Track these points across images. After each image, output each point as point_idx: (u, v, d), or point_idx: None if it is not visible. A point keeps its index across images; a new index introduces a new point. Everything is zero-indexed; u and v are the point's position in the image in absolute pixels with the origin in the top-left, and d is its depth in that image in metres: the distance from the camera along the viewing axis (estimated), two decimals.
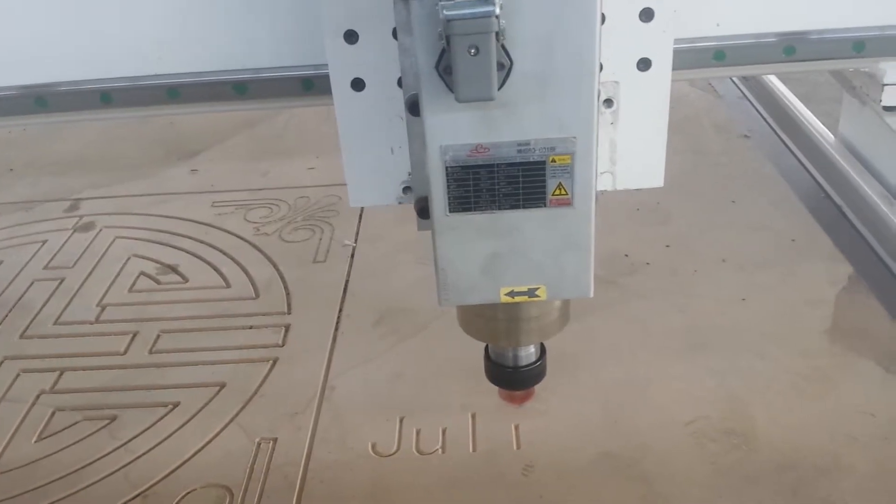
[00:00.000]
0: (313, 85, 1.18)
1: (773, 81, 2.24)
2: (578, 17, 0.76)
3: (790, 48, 1.21)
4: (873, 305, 1.44)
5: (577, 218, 0.86)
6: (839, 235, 1.64)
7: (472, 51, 0.72)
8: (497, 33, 0.72)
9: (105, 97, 1.23)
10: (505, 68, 0.77)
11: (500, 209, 0.85)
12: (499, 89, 0.76)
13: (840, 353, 1.33)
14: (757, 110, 2.24)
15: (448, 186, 0.84)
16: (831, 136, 1.89)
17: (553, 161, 0.82)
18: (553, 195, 0.85)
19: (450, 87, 0.77)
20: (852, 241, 1.63)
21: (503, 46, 0.76)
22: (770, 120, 2.17)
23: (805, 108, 2.07)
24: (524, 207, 0.85)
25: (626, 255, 1.62)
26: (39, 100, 1.23)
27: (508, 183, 0.84)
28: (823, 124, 1.97)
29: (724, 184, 1.86)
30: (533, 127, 0.81)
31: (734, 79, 2.41)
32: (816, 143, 1.90)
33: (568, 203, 0.85)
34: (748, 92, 2.34)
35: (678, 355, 1.35)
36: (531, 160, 0.82)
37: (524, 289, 0.92)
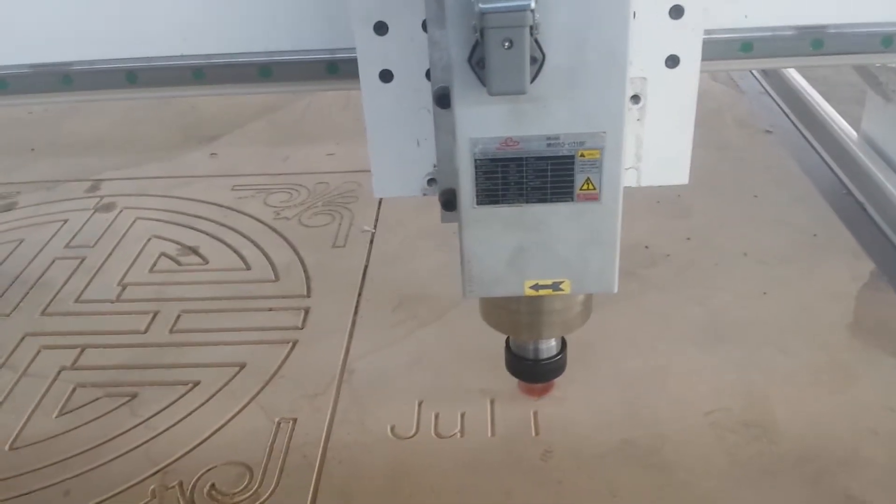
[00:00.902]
0: (338, 69, 1.17)
1: (795, 77, 2.23)
2: (611, 12, 0.76)
3: (818, 41, 1.20)
4: (894, 301, 1.43)
5: (604, 213, 0.86)
6: (861, 231, 1.64)
7: (507, 44, 0.72)
8: (531, 27, 0.72)
9: (131, 77, 1.23)
10: (537, 62, 0.77)
11: (527, 202, 0.86)
12: (531, 83, 0.76)
13: (861, 347, 1.33)
14: (779, 106, 2.23)
15: (476, 179, 0.84)
16: (854, 132, 1.88)
17: (582, 156, 0.83)
18: (581, 190, 0.85)
19: (482, 80, 0.77)
20: (874, 236, 1.63)
21: (536, 40, 0.76)
22: (792, 115, 2.16)
23: (827, 105, 2.06)
24: (552, 201, 0.86)
25: (647, 247, 1.62)
26: (66, 78, 1.24)
27: (537, 176, 0.84)
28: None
29: (745, 178, 1.86)
30: (563, 121, 0.81)
31: (756, 74, 2.40)
32: (839, 139, 1.90)
33: (595, 198, 0.85)
34: (770, 87, 2.33)
35: (698, 347, 1.34)
36: (560, 154, 0.83)
37: (549, 282, 0.92)
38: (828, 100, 2.11)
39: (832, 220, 1.68)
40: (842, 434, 1.16)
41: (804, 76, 2.24)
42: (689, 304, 1.45)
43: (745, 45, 1.21)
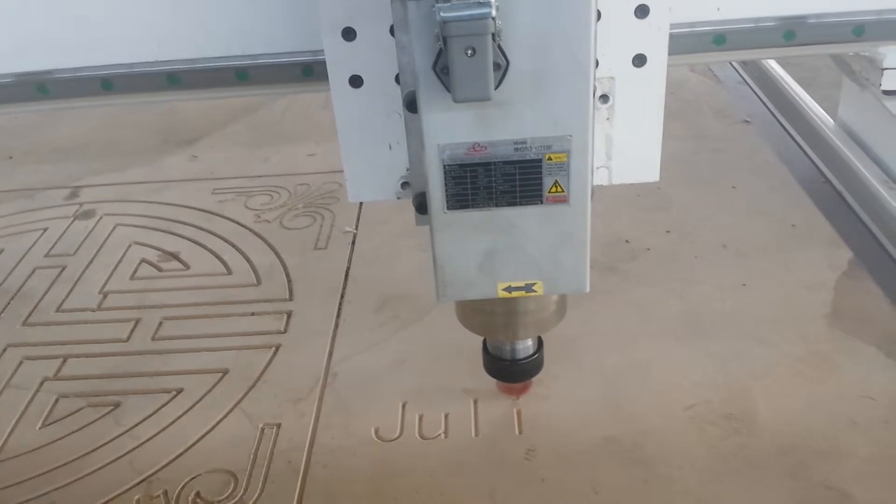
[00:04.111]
0: (313, 71, 1.18)
1: (773, 66, 2.24)
2: (574, 17, 0.76)
3: (790, 32, 1.21)
4: (873, 290, 1.44)
5: (574, 214, 0.87)
6: (839, 221, 1.65)
7: (469, 52, 0.72)
8: (493, 34, 0.72)
9: (106, 84, 1.23)
10: (501, 68, 0.78)
11: (497, 206, 0.86)
12: (495, 89, 0.77)
13: (840, 337, 1.34)
14: (757, 95, 2.24)
15: (446, 184, 0.85)
16: (831, 121, 1.89)
17: (549, 159, 0.83)
18: (549, 192, 0.86)
19: (447, 87, 0.78)
20: (852, 226, 1.64)
21: (499, 47, 0.76)
22: (770, 105, 2.17)
23: (805, 94, 2.07)
24: (521, 205, 0.86)
25: (627, 241, 1.62)
26: (41, 86, 1.23)
27: (505, 181, 0.84)
28: (824, 109, 1.98)
29: (724, 169, 1.87)
30: (529, 126, 0.82)
31: (734, 64, 2.41)
32: (816, 128, 1.91)
33: (564, 200, 0.86)
34: (748, 77, 2.34)
35: (679, 340, 1.35)
36: (528, 158, 0.83)
37: (521, 284, 0.93)
38: (811, 84, 2.13)
39: (810, 209, 1.69)
40: (821, 425, 1.17)
41: (782, 65, 2.25)
42: (669, 297, 1.46)
43: (718, 38, 1.22)
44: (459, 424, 1.22)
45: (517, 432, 1.20)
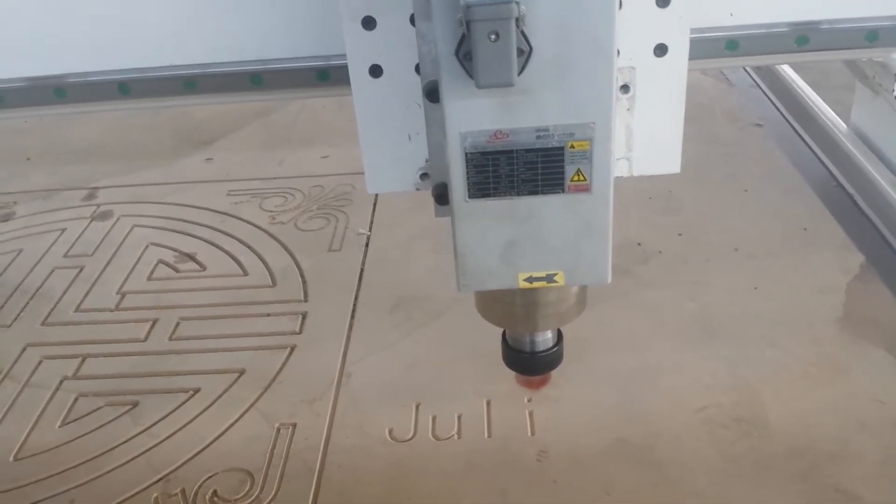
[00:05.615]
0: (329, 76, 1.19)
1: (785, 70, 2.24)
2: (597, 2, 0.76)
3: (803, 38, 1.21)
4: (884, 294, 1.45)
5: (596, 204, 0.87)
6: (851, 224, 1.65)
7: (493, 37, 0.72)
8: (517, 19, 0.73)
9: (123, 88, 1.24)
10: (524, 54, 0.78)
11: (518, 195, 0.86)
12: (518, 75, 0.77)
13: (850, 340, 1.35)
14: (769, 99, 2.25)
15: (467, 172, 0.84)
16: (843, 125, 1.89)
17: (572, 147, 0.83)
18: (571, 181, 0.85)
19: (469, 74, 0.78)
20: (864, 229, 1.64)
21: (522, 32, 0.77)
22: (782, 108, 2.17)
23: (817, 97, 2.07)
24: (543, 193, 0.86)
25: (639, 244, 1.63)
26: (57, 90, 1.25)
27: (527, 169, 0.84)
28: (835, 111, 1.98)
29: (736, 172, 1.87)
30: (551, 113, 0.81)
31: (746, 67, 2.41)
32: (829, 131, 1.91)
33: (586, 189, 0.86)
34: (760, 80, 2.34)
35: (690, 343, 1.36)
36: (550, 146, 0.83)
37: (542, 274, 0.93)
38: (822, 86, 2.12)
39: (822, 212, 1.70)
40: (832, 427, 1.18)
41: (794, 68, 2.25)
42: (681, 300, 1.47)
43: (731, 43, 1.22)
44: (472, 426, 1.24)
45: (530, 434, 1.22)
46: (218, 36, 1.18)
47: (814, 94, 2.09)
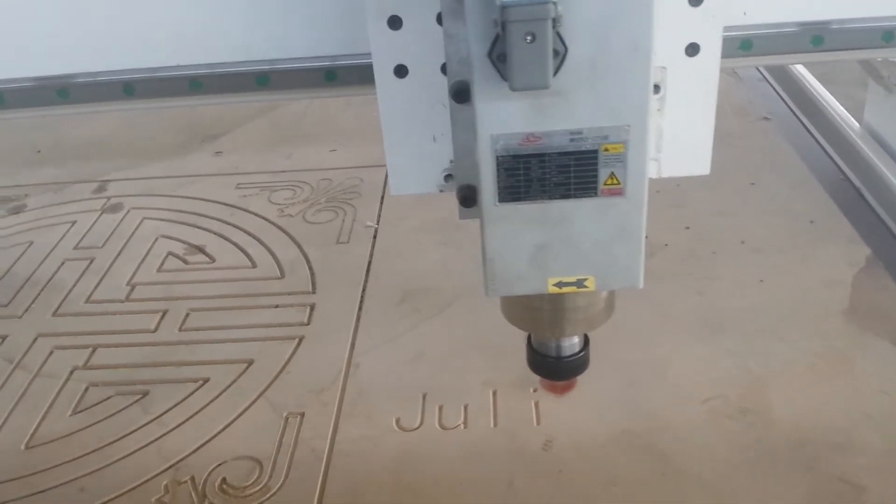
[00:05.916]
0: (336, 76, 1.19)
1: (794, 65, 2.24)
2: (635, 2, 0.75)
3: (818, 38, 1.21)
4: (890, 287, 1.45)
5: (630, 207, 0.85)
6: (857, 218, 1.65)
7: (529, 38, 0.71)
8: (553, 20, 0.72)
9: (128, 88, 1.25)
10: (559, 55, 0.76)
11: (550, 199, 0.85)
12: (553, 77, 0.76)
13: (856, 333, 1.35)
14: (777, 93, 2.25)
15: (498, 176, 0.83)
16: (853, 120, 1.89)
17: (606, 150, 0.81)
18: (605, 184, 0.83)
19: (503, 75, 0.77)
20: (871, 222, 1.65)
21: (558, 33, 0.75)
22: (790, 102, 2.17)
23: (826, 92, 2.07)
24: (575, 197, 0.84)
25: (646, 237, 1.63)
26: (62, 91, 1.25)
27: (560, 172, 0.83)
28: (845, 106, 1.97)
29: (743, 166, 1.87)
30: (585, 115, 0.79)
31: None
32: (836, 125, 1.91)
33: (620, 192, 0.84)
34: (768, 75, 2.34)
35: (696, 336, 1.37)
36: (583, 149, 0.81)
37: (572, 279, 0.91)
38: (832, 81, 2.12)
39: (829, 206, 1.70)
40: (837, 419, 1.19)
41: (804, 64, 2.25)
42: (687, 293, 1.47)
43: (745, 43, 1.22)
44: (478, 415, 1.24)
45: (535, 424, 1.22)
46: (223, 36, 1.18)
47: (823, 88, 2.09)
